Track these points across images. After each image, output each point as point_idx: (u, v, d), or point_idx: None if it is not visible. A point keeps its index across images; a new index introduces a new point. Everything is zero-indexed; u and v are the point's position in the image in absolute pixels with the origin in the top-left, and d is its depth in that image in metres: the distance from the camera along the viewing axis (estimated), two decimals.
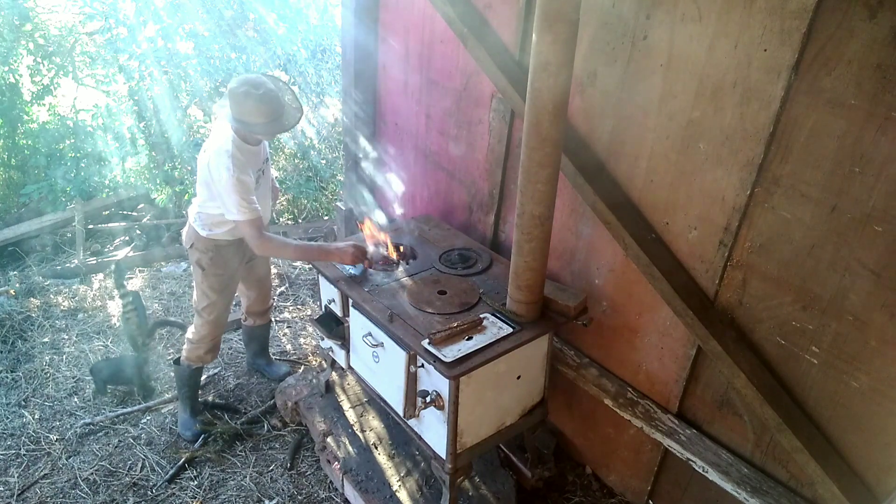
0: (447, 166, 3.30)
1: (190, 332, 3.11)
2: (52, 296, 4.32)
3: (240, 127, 2.63)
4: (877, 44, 1.64)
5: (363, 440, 2.96)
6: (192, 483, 3.00)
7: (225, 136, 2.67)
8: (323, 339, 2.99)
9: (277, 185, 3.35)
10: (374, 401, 3.13)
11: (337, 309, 2.80)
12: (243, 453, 3.17)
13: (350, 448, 2.93)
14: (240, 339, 3.96)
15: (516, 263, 2.25)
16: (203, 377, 3.62)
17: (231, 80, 2.62)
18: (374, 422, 3.07)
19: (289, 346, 3.99)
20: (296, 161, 6.20)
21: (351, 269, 2.70)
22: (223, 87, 4.94)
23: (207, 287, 2.97)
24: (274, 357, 3.79)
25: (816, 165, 1.85)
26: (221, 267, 2.95)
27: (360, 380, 2.83)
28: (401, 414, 2.43)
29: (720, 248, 2.16)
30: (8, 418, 3.35)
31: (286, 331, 4.12)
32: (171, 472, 3.01)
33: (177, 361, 3.18)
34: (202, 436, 3.19)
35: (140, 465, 3.09)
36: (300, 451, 3.18)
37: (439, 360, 2.12)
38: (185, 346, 3.13)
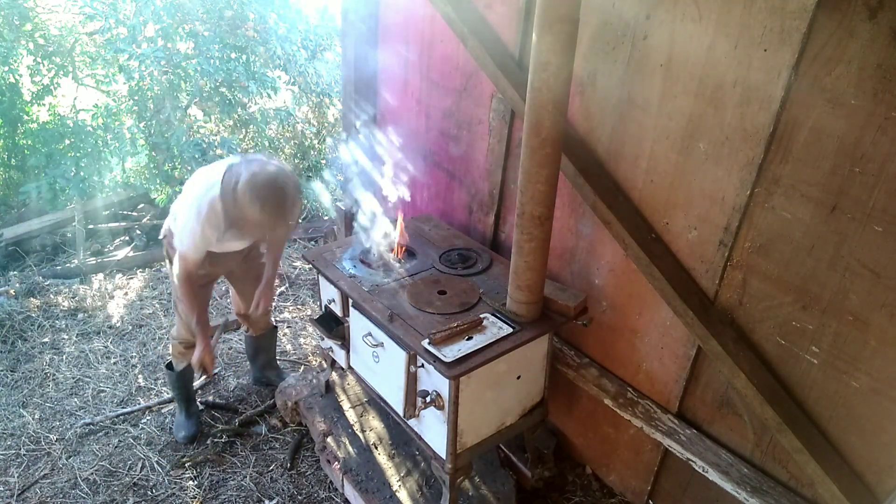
0: (447, 166, 3.30)
1: (172, 328, 3.10)
2: (52, 296, 4.32)
3: (230, 222, 2.46)
4: (877, 44, 1.64)
5: (363, 440, 2.96)
6: (191, 483, 3.00)
7: (215, 193, 2.46)
8: (323, 339, 2.99)
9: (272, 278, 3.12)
10: (374, 401, 3.13)
11: (337, 309, 2.80)
12: (243, 453, 3.17)
13: (350, 448, 2.93)
14: (240, 339, 3.96)
15: (516, 263, 2.25)
16: (203, 377, 3.62)
17: (258, 175, 2.28)
18: (375, 422, 3.07)
19: (289, 347, 3.99)
20: (296, 161, 6.20)
21: (351, 269, 2.70)
22: (223, 87, 4.94)
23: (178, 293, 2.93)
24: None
25: (816, 165, 1.85)
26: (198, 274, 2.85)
27: (360, 380, 2.83)
28: (401, 414, 2.43)
29: (720, 248, 2.16)
30: (8, 418, 3.35)
31: (286, 331, 4.12)
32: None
33: (168, 366, 3.16)
34: (196, 437, 3.19)
35: (140, 465, 3.09)
36: (300, 451, 3.18)
37: (439, 360, 2.12)
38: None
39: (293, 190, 2.38)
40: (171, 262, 2.88)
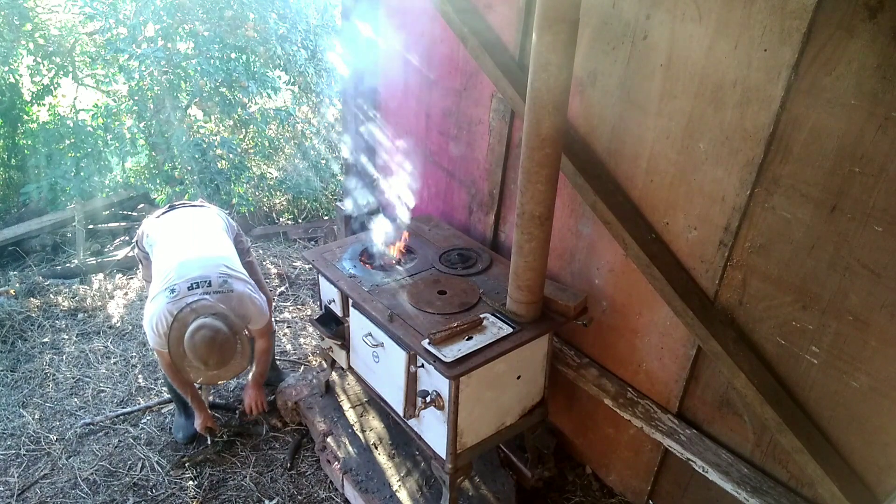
0: (447, 166, 3.30)
1: None
2: (52, 296, 4.32)
3: (177, 358, 2.62)
4: (877, 44, 1.64)
5: (363, 440, 2.96)
6: (192, 483, 3.00)
7: (164, 312, 2.60)
8: (323, 339, 2.99)
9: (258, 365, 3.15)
10: (374, 401, 3.13)
11: (337, 309, 2.80)
12: (243, 453, 3.17)
13: (350, 448, 2.93)
14: None
15: (516, 263, 2.25)
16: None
17: (204, 328, 2.50)
18: (375, 422, 3.07)
19: (289, 347, 3.99)
20: (296, 161, 6.19)
21: (351, 269, 2.70)
22: (223, 87, 4.94)
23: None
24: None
25: (816, 165, 1.85)
26: None
27: (360, 380, 2.83)
28: (401, 414, 2.44)
29: (720, 248, 2.16)
30: (8, 418, 3.35)
31: (286, 331, 4.12)
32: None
33: None
34: (196, 437, 3.19)
35: (140, 465, 3.09)
36: (300, 451, 3.18)
37: (439, 360, 2.12)
38: None
39: (230, 345, 2.58)
40: (142, 266, 3.02)
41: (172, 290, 2.60)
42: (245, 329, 2.70)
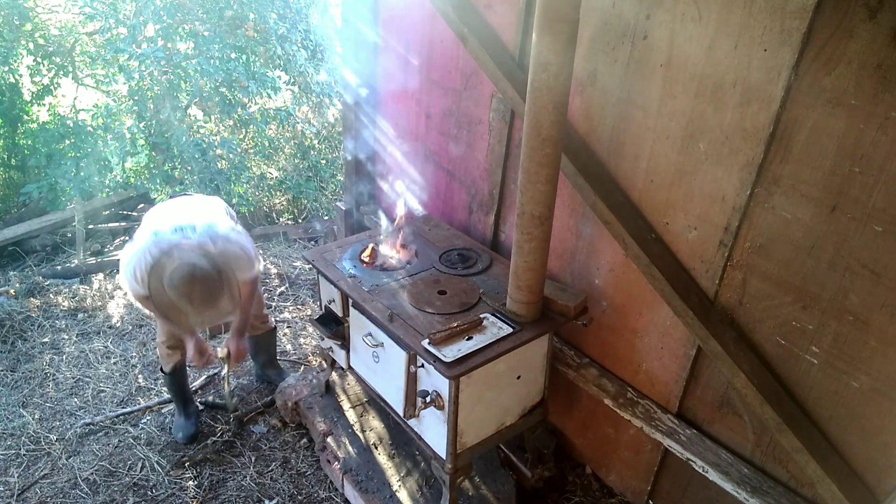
0: (447, 166, 3.30)
1: (157, 334, 3.11)
2: (52, 296, 4.32)
3: (161, 305, 2.40)
4: (877, 44, 1.64)
5: (363, 440, 2.96)
6: (191, 483, 3.00)
7: (143, 253, 2.45)
8: (323, 339, 2.99)
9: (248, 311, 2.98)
10: (374, 401, 3.13)
11: (337, 309, 2.80)
12: (243, 453, 3.17)
13: (350, 448, 2.93)
14: None
15: (516, 263, 2.25)
16: (203, 377, 3.62)
17: (183, 269, 2.30)
18: (375, 422, 3.07)
19: (289, 346, 3.99)
20: (296, 161, 6.20)
21: (351, 269, 2.70)
22: (223, 87, 4.94)
23: None
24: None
25: (816, 165, 1.85)
26: None
27: (360, 380, 2.83)
28: (401, 414, 2.44)
29: (720, 248, 2.16)
30: (8, 418, 3.35)
31: (286, 331, 4.12)
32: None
33: (162, 368, 3.17)
34: (196, 437, 3.19)
35: (140, 465, 3.09)
36: (300, 451, 3.18)
37: (439, 360, 2.12)
38: None
39: (213, 281, 2.36)
40: None
41: (155, 234, 2.47)
42: (231, 271, 2.50)
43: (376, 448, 2.92)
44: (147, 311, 2.65)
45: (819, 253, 1.91)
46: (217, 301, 2.38)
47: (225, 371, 3.01)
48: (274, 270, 4.76)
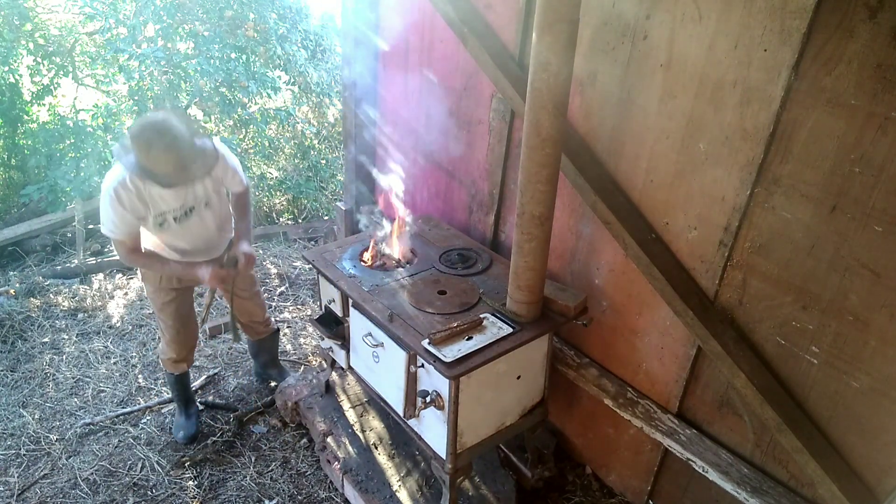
0: (447, 166, 3.30)
1: (158, 346, 3.10)
2: (52, 296, 4.32)
3: (144, 174, 2.38)
4: (877, 44, 1.64)
5: (363, 440, 2.96)
6: (192, 483, 3.00)
7: (116, 171, 2.47)
8: (323, 339, 2.99)
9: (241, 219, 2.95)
10: (374, 401, 3.13)
11: (337, 309, 2.80)
12: (243, 453, 3.17)
13: (350, 448, 2.93)
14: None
15: (516, 263, 2.25)
16: (203, 377, 3.62)
17: (133, 124, 2.38)
18: (375, 422, 3.07)
19: (289, 346, 3.99)
20: (296, 161, 6.20)
21: (351, 269, 2.70)
22: (223, 87, 4.94)
23: (150, 299, 2.97)
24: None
25: (816, 165, 1.85)
26: (165, 279, 2.84)
27: (360, 380, 2.83)
28: (401, 414, 2.44)
29: (720, 248, 2.16)
30: (8, 418, 3.35)
31: (286, 331, 4.12)
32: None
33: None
34: (196, 437, 3.19)
35: (140, 465, 3.09)
36: (300, 451, 3.18)
37: (439, 360, 2.12)
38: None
39: (182, 117, 2.41)
40: (141, 278, 2.93)
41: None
42: (204, 142, 2.49)
43: (376, 448, 2.92)
44: (143, 262, 2.64)
45: (819, 253, 1.91)
46: (194, 151, 2.37)
47: (231, 309, 2.98)
48: (274, 270, 4.76)
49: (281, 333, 4.06)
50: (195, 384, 3.53)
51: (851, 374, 1.93)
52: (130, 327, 4.08)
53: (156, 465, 3.08)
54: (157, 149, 2.29)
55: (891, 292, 1.79)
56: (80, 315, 4.18)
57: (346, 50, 3.61)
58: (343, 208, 4.05)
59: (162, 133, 2.30)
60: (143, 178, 2.40)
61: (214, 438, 3.22)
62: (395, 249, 2.85)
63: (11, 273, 4.60)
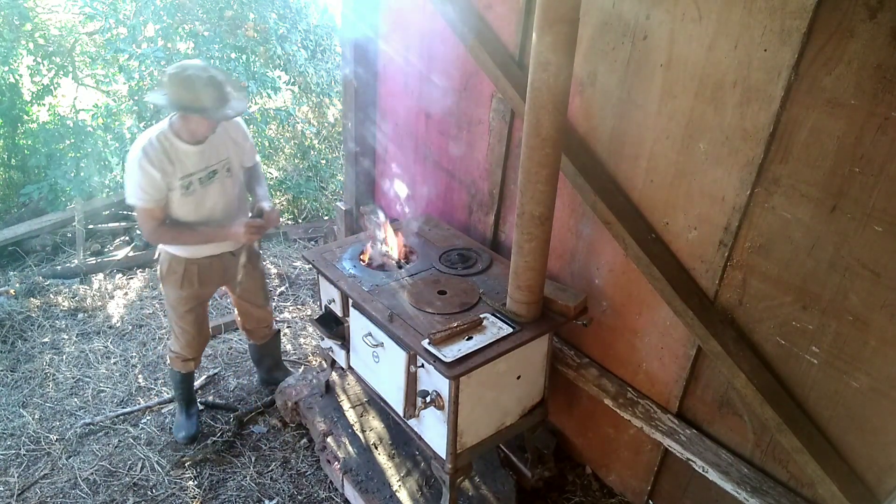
0: (447, 166, 3.30)
1: (171, 339, 3.11)
2: (52, 296, 4.32)
3: (180, 116, 2.53)
4: (877, 44, 1.64)
5: (363, 440, 2.96)
6: (192, 483, 3.00)
7: (153, 129, 2.61)
8: (323, 339, 2.99)
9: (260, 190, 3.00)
10: (374, 401, 3.13)
11: (337, 309, 2.80)
12: (243, 453, 3.17)
13: (350, 448, 2.93)
14: (240, 339, 3.96)
15: (516, 263, 2.25)
16: (203, 377, 3.62)
17: (170, 69, 2.52)
18: (375, 422, 3.07)
19: (289, 347, 3.99)
20: (296, 161, 6.20)
21: (351, 269, 2.70)
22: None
23: (168, 305, 2.99)
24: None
25: (816, 165, 1.85)
26: (187, 285, 2.87)
27: (360, 380, 2.83)
28: (401, 414, 2.44)
29: (720, 248, 2.16)
30: (8, 418, 3.35)
31: (286, 331, 4.12)
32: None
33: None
34: (196, 437, 3.19)
35: (140, 465, 3.09)
36: (300, 451, 3.18)
37: (439, 360, 2.12)
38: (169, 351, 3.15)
39: (209, 70, 2.55)
40: (162, 282, 2.94)
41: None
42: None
43: (376, 448, 2.92)
44: (172, 236, 2.72)
45: (819, 253, 1.91)
46: (222, 86, 2.53)
47: (243, 258, 2.94)
48: (274, 270, 4.76)
49: (281, 333, 4.06)
50: (195, 384, 3.53)
51: (851, 374, 1.93)
52: (130, 327, 4.08)
53: (156, 465, 3.08)
54: (200, 82, 2.45)
55: (891, 292, 1.79)
56: (80, 315, 4.18)
57: (346, 50, 3.61)
58: (343, 208, 4.05)
59: (203, 68, 2.51)
60: (184, 112, 2.50)
61: (214, 438, 3.22)
62: (395, 249, 2.84)
63: (11, 273, 4.60)
